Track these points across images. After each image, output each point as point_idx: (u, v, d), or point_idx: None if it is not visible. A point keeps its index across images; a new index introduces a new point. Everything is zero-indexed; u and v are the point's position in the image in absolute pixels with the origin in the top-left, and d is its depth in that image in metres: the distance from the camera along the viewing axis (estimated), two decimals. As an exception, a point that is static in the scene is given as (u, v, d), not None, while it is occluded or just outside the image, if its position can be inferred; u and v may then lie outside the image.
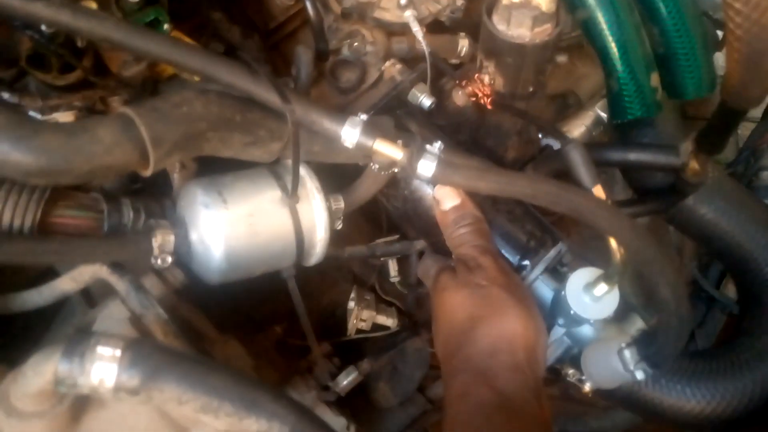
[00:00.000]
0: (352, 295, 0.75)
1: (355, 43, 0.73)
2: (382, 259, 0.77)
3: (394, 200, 0.70)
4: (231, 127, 0.52)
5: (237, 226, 0.54)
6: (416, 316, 0.80)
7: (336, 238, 0.63)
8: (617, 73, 0.52)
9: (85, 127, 0.46)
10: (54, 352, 0.40)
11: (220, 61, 0.51)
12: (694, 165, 0.56)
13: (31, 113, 0.60)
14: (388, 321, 0.76)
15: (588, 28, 0.52)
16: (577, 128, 0.73)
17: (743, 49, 0.40)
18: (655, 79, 0.53)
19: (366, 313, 0.74)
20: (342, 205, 0.62)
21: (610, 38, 0.53)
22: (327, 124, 0.54)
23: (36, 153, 0.43)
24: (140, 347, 0.42)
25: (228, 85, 0.52)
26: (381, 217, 0.78)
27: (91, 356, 0.40)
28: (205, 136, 0.51)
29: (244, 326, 0.76)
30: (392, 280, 0.78)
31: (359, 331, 0.75)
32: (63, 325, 0.60)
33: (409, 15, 0.69)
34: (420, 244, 0.71)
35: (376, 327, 0.77)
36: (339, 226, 0.62)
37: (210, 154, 0.53)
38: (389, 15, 0.71)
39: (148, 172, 0.49)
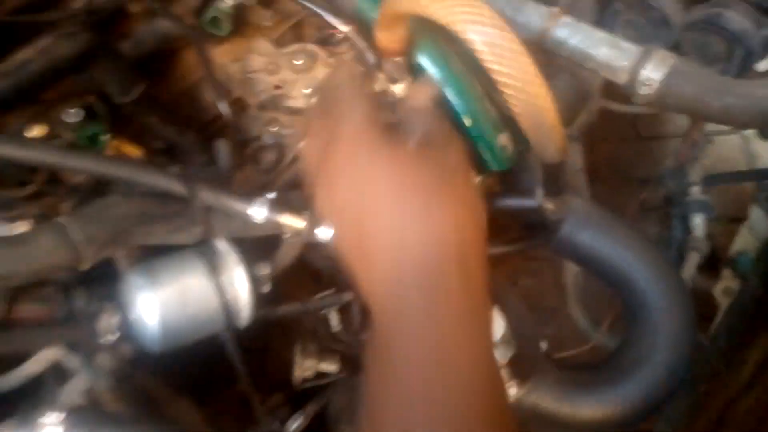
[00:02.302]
0: (297, 348, 0.85)
1: (274, 129, 0.84)
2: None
3: (322, 258, 0.80)
4: (153, 220, 0.63)
5: (168, 303, 0.64)
6: (359, 360, 0.89)
7: (274, 297, 0.73)
8: (470, 137, 0.63)
9: (26, 239, 0.57)
10: (6, 427, 0.50)
11: (140, 168, 0.62)
12: (549, 205, 0.66)
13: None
14: (331, 367, 0.85)
15: (441, 104, 0.63)
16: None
17: (526, 122, 0.50)
18: (502, 139, 0.64)
19: (308, 362, 0.83)
20: (268, 270, 0.72)
21: (461, 110, 0.63)
22: (236, 206, 0.65)
23: (-14, 264, 0.54)
24: (78, 415, 0.51)
25: (149, 186, 0.63)
26: (319, 272, 0.88)
27: (36, 427, 0.50)
28: (131, 231, 0.62)
29: (206, 386, 0.85)
30: (334, 330, 0.87)
31: (305, 380, 0.84)
32: (33, 405, 0.70)
33: (312, 101, 0.80)
34: (348, 296, 0.81)
35: (322, 374, 0.86)
36: (267, 289, 0.72)
37: (138, 243, 0.64)
38: (298, 103, 0.83)
39: (84, 267, 0.60)
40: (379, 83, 0.62)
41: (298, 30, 0.92)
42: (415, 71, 0.63)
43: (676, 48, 1.15)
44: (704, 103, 0.81)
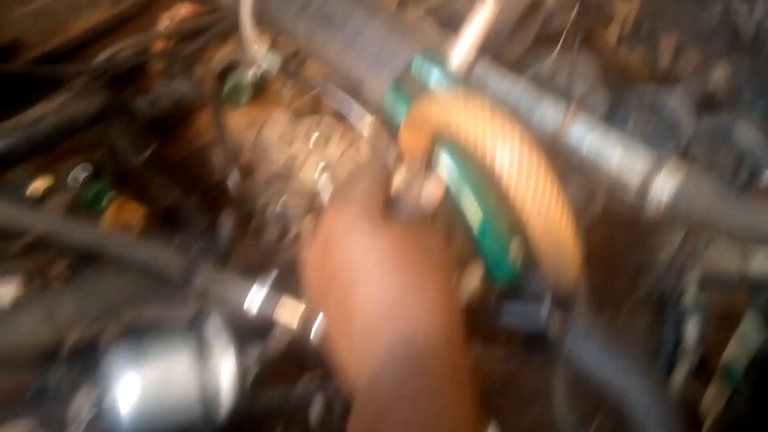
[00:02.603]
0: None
1: (281, 201, 0.83)
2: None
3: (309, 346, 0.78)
4: (147, 297, 0.61)
5: (148, 388, 0.61)
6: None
7: (260, 381, 0.70)
8: (480, 245, 0.62)
9: (10, 315, 0.54)
10: None
11: (136, 243, 0.60)
12: (553, 324, 0.65)
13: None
14: (312, 456, 0.81)
15: (455, 206, 0.62)
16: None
17: (545, 249, 0.49)
18: (515, 249, 0.62)
19: (288, 450, 0.79)
20: (255, 358, 0.70)
21: (474, 215, 0.62)
22: (234, 291, 0.63)
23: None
24: None
25: (145, 263, 0.61)
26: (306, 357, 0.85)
27: None
28: (120, 311, 0.59)
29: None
30: (317, 416, 0.84)
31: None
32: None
33: (323, 179, 0.79)
34: (333, 382, 0.78)
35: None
36: (251, 378, 0.69)
37: (125, 324, 0.61)
38: (308, 177, 0.81)
39: (66, 347, 0.57)
40: (397, 178, 0.61)
41: (316, 101, 0.92)
42: (433, 169, 0.62)
43: (684, 153, 1.16)
44: (716, 218, 0.81)
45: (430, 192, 0.58)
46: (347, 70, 0.65)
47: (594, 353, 0.69)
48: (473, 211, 0.62)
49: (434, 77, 0.64)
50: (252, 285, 0.62)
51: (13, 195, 0.71)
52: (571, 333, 0.70)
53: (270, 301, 0.61)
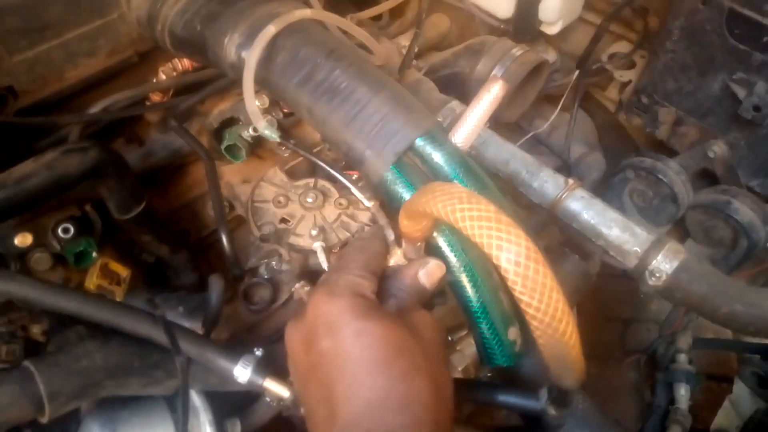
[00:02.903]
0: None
1: (273, 262, 0.81)
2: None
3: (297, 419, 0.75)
4: (129, 372, 0.58)
5: (126, 464, 0.58)
6: None
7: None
8: (479, 328, 0.60)
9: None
10: None
11: (121, 311, 0.58)
12: (551, 411, 0.63)
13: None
14: None
15: (455, 291, 0.61)
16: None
17: (548, 353, 0.47)
18: (512, 333, 0.61)
19: None
20: (238, 429, 0.67)
21: (473, 298, 0.60)
22: (221, 363, 0.60)
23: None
24: None
25: (129, 332, 0.58)
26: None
27: None
28: (102, 384, 0.56)
29: None
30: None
31: None
32: None
33: (317, 245, 0.77)
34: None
35: None
36: (234, 451, 0.66)
37: (108, 395, 0.58)
38: (302, 241, 0.79)
39: (44, 421, 0.54)
40: (395, 258, 0.60)
41: (312, 162, 0.90)
42: (431, 252, 0.61)
43: (681, 223, 1.16)
44: (712, 306, 0.80)
45: (429, 275, 0.57)
46: (348, 144, 0.64)
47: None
48: (471, 296, 0.61)
49: (436, 159, 0.63)
50: (241, 358, 0.60)
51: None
52: (568, 419, 0.69)
53: (259, 374, 0.59)
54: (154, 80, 0.84)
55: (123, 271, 0.74)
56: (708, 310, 0.80)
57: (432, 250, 0.61)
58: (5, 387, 0.52)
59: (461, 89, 1.12)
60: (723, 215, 1.04)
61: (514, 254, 0.44)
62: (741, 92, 1.02)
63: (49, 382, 0.53)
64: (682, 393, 1.31)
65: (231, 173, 0.88)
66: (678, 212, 1.10)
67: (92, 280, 0.71)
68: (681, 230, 1.17)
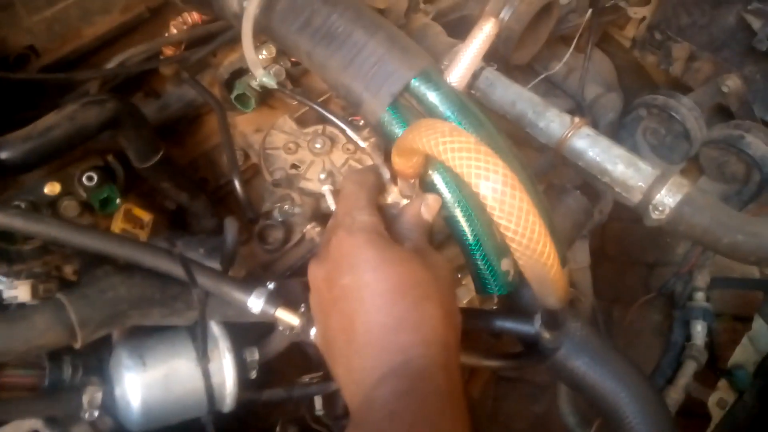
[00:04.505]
0: (278, 428, 0.84)
1: (285, 206, 0.85)
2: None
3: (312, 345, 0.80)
4: (151, 303, 0.63)
5: (153, 385, 0.64)
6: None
7: (263, 376, 0.73)
8: (474, 259, 0.63)
9: (23, 315, 0.57)
10: None
11: (143, 249, 0.63)
12: (545, 334, 0.66)
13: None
14: (308, 453, 0.84)
15: (450, 225, 0.64)
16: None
17: (529, 274, 0.51)
18: (506, 264, 0.64)
19: (286, 445, 0.82)
20: (256, 356, 0.73)
21: (467, 231, 0.64)
22: (236, 295, 0.65)
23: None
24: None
25: (150, 267, 0.63)
26: (309, 355, 0.88)
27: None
28: (127, 314, 0.62)
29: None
30: (317, 413, 0.87)
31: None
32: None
33: (326, 189, 0.81)
34: (334, 385, 0.80)
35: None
36: (254, 375, 0.72)
37: (133, 325, 0.64)
38: (312, 185, 0.83)
39: (77, 346, 0.60)
40: (392, 195, 0.63)
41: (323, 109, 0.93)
42: (426, 188, 0.64)
43: (695, 160, 1.15)
44: (715, 237, 0.81)
45: (429, 209, 0.61)
46: (346, 87, 0.67)
47: (588, 363, 0.71)
48: (465, 230, 0.64)
49: (431, 99, 0.65)
50: (254, 291, 0.64)
51: (30, 196, 0.75)
52: (566, 344, 0.72)
53: (272, 304, 0.64)
54: (166, 35, 0.87)
55: (145, 216, 0.79)
56: (710, 241, 0.82)
57: (427, 187, 0.64)
58: (41, 315, 0.58)
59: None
60: (735, 150, 1.04)
61: (492, 181, 0.47)
62: (756, 23, 1.00)
63: (79, 311, 0.59)
64: (699, 329, 1.33)
65: (244, 123, 0.92)
66: (691, 149, 1.10)
67: (117, 225, 0.77)
68: (696, 168, 1.17)
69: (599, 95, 1.28)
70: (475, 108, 0.68)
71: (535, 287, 0.53)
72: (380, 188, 0.63)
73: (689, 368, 1.28)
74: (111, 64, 0.84)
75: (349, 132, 0.65)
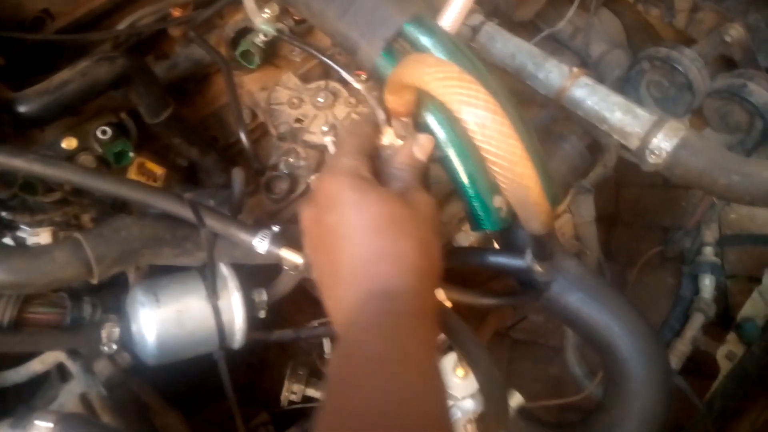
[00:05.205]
0: (288, 370, 0.88)
1: (291, 159, 0.88)
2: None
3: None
4: (162, 243, 0.68)
5: (167, 321, 0.68)
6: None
7: (273, 319, 0.77)
8: (467, 196, 0.66)
9: (44, 250, 0.62)
10: (3, 426, 0.55)
11: (154, 192, 0.67)
12: (537, 267, 0.69)
13: (22, 226, 0.77)
14: (317, 393, 0.88)
15: (444, 165, 0.67)
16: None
17: (511, 197, 0.53)
18: (497, 201, 0.67)
19: (296, 387, 0.86)
20: (264, 297, 0.77)
21: (460, 170, 0.66)
22: (242, 236, 0.69)
23: (5, 273, 0.59)
24: (69, 422, 0.56)
25: (161, 210, 0.67)
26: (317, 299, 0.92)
27: (31, 428, 0.54)
28: (140, 252, 0.66)
29: (197, 399, 0.89)
30: (327, 356, 0.91)
31: (291, 402, 0.88)
32: (39, 397, 0.75)
33: (328, 140, 0.84)
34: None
35: (309, 398, 0.89)
36: (263, 315, 0.76)
37: (146, 263, 0.68)
38: (315, 138, 0.86)
39: (94, 281, 0.65)
40: (387, 136, 0.66)
41: (325, 66, 0.96)
42: (421, 129, 0.66)
43: (698, 113, 1.16)
44: (711, 179, 0.83)
45: (422, 148, 0.63)
46: (343, 35, 0.69)
47: (582, 299, 0.74)
48: (458, 168, 0.67)
49: (424, 43, 0.67)
50: (260, 232, 0.68)
51: (49, 151, 0.79)
52: (559, 279, 0.75)
53: (276, 245, 0.67)
54: (174, -4, 0.90)
55: (158, 170, 0.83)
56: (707, 183, 0.83)
57: (421, 127, 0.66)
58: (61, 251, 0.62)
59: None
60: (738, 99, 1.04)
61: (473, 107, 0.50)
62: (758, -30, 0.99)
63: (95, 248, 0.63)
64: (707, 283, 1.34)
65: (251, 82, 0.95)
66: (695, 100, 1.10)
67: (131, 177, 0.81)
68: (701, 120, 1.17)
69: (605, 52, 1.28)
70: (468, 51, 0.70)
71: (518, 212, 0.55)
72: (375, 134, 0.65)
73: (697, 321, 1.30)
74: (122, 26, 0.87)
75: (342, 73, 0.68)
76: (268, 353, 1.07)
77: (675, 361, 1.26)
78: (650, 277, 2.04)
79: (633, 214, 2.30)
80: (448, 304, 0.71)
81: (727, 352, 1.36)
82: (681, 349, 1.26)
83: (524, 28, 1.29)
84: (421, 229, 0.56)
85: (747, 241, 1.52)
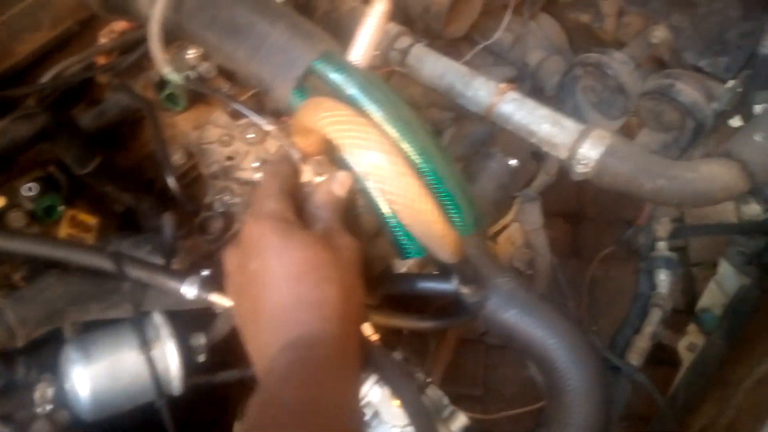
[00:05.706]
0: (239, 411, 0.88)
1: (226, 197, 0.89)
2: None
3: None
4: (88, 299, 0.68)
5: (100, 375, 0.68)
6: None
7: (216, 363, 0.77)
8: (390, 226, 0.66)
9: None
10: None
11: (73, 248, 0.67)
12: (465, 290, 0.70)
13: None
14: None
15: (365, 197, 0.67)
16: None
17: (416, 233, 0.54)
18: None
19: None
20: (203, 341, 0.77)
21: (380, 202, 0.67)
22: (170, 284, 0.70)
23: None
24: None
25: (83, 265, 0.67)
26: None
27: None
28: (65, 311, 0.66)
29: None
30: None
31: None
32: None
33: (259, 176, 0.84)
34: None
35: None
36: (202, 359, 0.76)
37: (74, 321, 0.68)
38: (247, 174, 0.87)
39: (19, 345, 0.64)
40: (306, 174, 0.67)
41: (257, 100, 0.97)
42: (339, 165, 0.67)
43: (635, 114, 1.18)
44: (637, 184, 0.84)
45: (341, 185, 0.64)
46: (255, 76, 0.70)
47: (516, 315, 0.74)
48: (379, 198, 0.67)
49: (334, 79, 0.68)
50: (187, 278, 0.68)
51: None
52: (493, 298, 0.75)
53: (205, 290, 0.67)
54: (97, 45, 0.90)
55: (91, 220, 0.83)
56: (634, 188, 0.85)
57: (338, 163, 0.67)
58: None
59: (403, 13, 1.15)
60: (668, 98, 1.06)
61: (364, 149, 0.51)
62: (676, -27, 1.02)
63: (17, 312, 0.63)
64: (662, 278, 1.36)
65: (183, 122, 0.96)
66: (628, 102, 1.13)
67: (63, 230, 0.81)
68: (639, 121, 1.19)
69: (543, 59, 1.30)
70: (378, 82, 0.71)
71: (426, 244, 0.56)
72: (292, 174, 0.66)
73: (654, 316, 1.32)
74: (45, 78, 0.87)
75: (251, 115, 0.68)
76: (229, 389, 1.07)
77: (636, 357, 1.28)
78: (617, 270, 2.06)
79: (596, 210, 2.33)
80: (375, 337, 0.71)
81: (689, 343, 1.38)
82: (640, 345, 1.27)
83: (464, 43, 1.31)
84: (343, 272, 0.56)
85: (701, 233, 1.54)
